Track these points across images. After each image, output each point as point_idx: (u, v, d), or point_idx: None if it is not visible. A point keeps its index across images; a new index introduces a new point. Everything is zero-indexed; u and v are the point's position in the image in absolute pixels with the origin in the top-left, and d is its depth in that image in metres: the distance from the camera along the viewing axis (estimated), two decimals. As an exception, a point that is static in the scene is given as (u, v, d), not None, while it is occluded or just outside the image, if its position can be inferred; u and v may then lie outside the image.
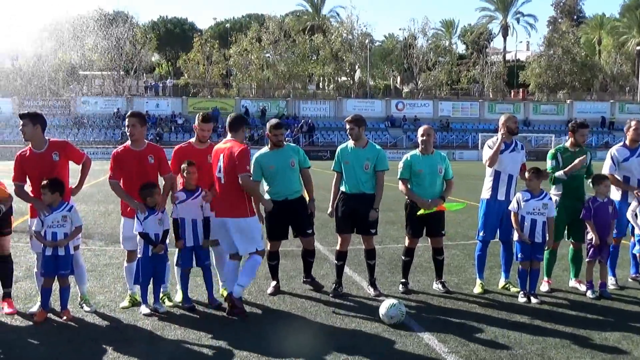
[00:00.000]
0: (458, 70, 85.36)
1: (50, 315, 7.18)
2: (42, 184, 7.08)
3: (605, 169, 8.73)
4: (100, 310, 7.48)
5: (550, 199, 8.17)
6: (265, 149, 8.41)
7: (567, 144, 8.63)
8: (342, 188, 8.35)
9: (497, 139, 8.35)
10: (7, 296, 7.50)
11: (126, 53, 79.47)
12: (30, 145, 7.43)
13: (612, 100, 78.22)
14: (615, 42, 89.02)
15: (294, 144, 8.77)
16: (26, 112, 7.56)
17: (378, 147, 8.52)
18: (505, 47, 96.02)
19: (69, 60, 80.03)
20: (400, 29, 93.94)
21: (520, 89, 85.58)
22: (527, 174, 8.12)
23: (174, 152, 8.05)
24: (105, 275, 9.16)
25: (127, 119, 7.66)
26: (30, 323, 6.99)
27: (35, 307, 7.31)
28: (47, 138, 7.50)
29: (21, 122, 7.38)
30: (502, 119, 8.61)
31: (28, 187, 7.43)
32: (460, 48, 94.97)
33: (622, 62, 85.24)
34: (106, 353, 6.05)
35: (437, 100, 77.13)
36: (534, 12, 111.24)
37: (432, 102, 76.47)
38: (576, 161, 8.14)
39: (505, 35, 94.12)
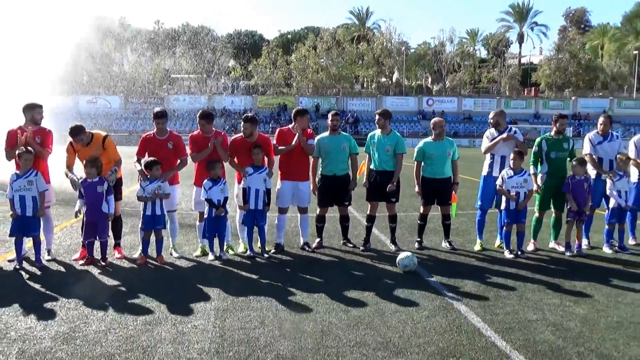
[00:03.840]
0: (480, 72, 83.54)
1: (148, 260, 7.77)
2: (156, 160, 7.72)
3: (585, 150, 8.81)
4: (186, 256, 8.05)
5: (529, 175, 8.30)
6: (326, 133, 8.76)
7: (552, 133, 8.73)
8: (371, 166, 8.69)
9: (494, 133, 8.55)
10: (117, 245, 8.13)
11: (208, 59, 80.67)
12: (154, 131, 8.06)
13: (611, 97, 75.14)
14: (615, 47, 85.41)
15: (347, 133, 9.02)
16: (161, 110, 8.18)
17: (398, 134, 8.79)
18: (520, 52, 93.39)
19: (163, 65, 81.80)
20: (431, 38, 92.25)
21: (532, 88, 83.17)
22: (511, 155, 8.25)
23: (230, 141, 8.32)
24: (190, 232, 9.68)
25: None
26: (134, 265, 7.58)
27: (137, 254, 7.92)
28: (168, 129, 8.14)
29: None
30: (491, 114, 8.81)
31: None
32: (482, 53, 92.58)
33: (621, 65, 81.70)
34: (191, 287, 6.58)
35: (461, 97, 75.75)
36: (546, 22, 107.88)
37: (457, 98, 75.19)
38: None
39: (520, 42, 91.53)
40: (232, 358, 4.57)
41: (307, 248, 8.53)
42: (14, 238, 7.36)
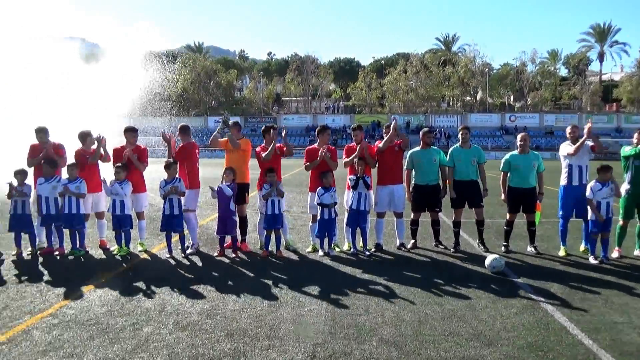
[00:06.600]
0: (560, 90, 78.40)
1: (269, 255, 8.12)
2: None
3: None
4: (299, 251, 8.35)
5: (613, 184, 7.71)
6: (418, 147, 8.70)
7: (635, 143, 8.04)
8: (455, 177, 8.52)
9: (579, 141, 8.03)
10: (243, 241, 8.53)
11: (312, 84, 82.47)
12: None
13: (697, 111, 67.71)
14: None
15: (436, 147, 8.90)
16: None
17: (478, 147, 8.59)
18: (601, 70, 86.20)
19: (274, 90, 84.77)
20: (513, 59, 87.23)
21: (614, 103, 76.61)
22: (597, 169, 7.74)
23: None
24: (302, 231, 10.05)
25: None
26: (258, 257, 7.98)
27: (260, 251, 8.30)
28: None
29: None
30: (568, 129, 8.27)
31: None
32: (563, 72, 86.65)
33: None
34: (305, 277, 6.79)
35: (543, 113, 71.49)
36: (627, 40, 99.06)
37: (539, 115, 71.04)
38: None
39: (601, 60, 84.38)
40: (343, 339, 4.71)
41: (403, 248, 8.51)
42: (165, 232, 8.06)
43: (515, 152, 8.46)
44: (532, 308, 5.57)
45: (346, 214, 8.39)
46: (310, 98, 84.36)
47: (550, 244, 8.95)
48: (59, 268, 7.33)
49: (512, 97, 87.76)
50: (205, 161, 8.81)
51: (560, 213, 8.28)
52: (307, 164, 8.40)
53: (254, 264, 7.60)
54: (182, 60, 79.70)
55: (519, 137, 8.46)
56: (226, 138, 8.47)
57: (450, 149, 8.63)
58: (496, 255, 7.24)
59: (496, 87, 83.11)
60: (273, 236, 8.14)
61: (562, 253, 8.15)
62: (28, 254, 7.99)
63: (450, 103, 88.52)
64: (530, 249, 8.39)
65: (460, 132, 8.54)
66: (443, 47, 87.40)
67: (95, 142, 8.35)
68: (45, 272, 7.09)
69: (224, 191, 7.92)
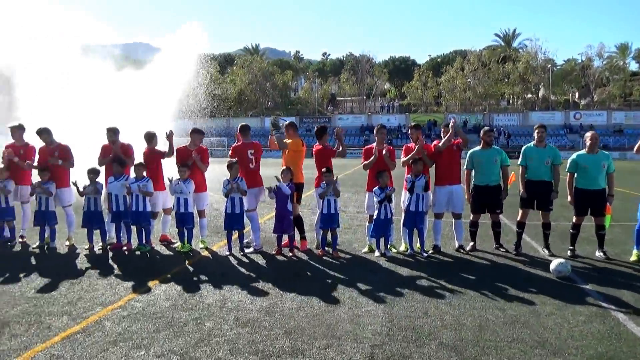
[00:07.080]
0: (631, 85, 73.68)
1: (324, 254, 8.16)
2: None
3: None
4: (353, 252, 8.32)
5: None
6: (478, 147, 8.47)
7: None
8: (526, 176, 8.21)
9: None
10: (303, 239, 8.59)
11: (367, 83, 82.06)
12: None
13: None
14: None
15: (497, 147, 8.61)
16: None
17: (554, 147, 8.23)
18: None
19: (329, 90, 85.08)
20: (578, 54, 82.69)
21: (693, 99, 71.22)
22: None
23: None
24: (358, 231, 10.03)
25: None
26: (315, 256, 8.01)
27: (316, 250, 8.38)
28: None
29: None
30: None
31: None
32: (633, 66, 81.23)
33: None
34: (362, 277, 6.75)
35: (611, 111, 67.54)
36: None
37: (606, 112, 67.16)
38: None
39: (677, 54, 78.61)
40: (401, 341, 4.66)
41: (462, 250, 8.31)
42: (226, 231, 8.28)
43: (583, 151, 8.05)
44: (602, 316, 5.29)
45: (403, 215, 8.30)
46: (365, 97, 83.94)
47: (620, 248, 8.45)
48: (127, 262, 7.71)
49: (577, 94, 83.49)
50: (262, 161, 8.93)
51: (638, 213, 7.79)
52: (365, 162, 8.39)
53: (310, 263, 7.65)
54: (239, 63, 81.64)
55: (587, 135, 8.04)
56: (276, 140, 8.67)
57: (524, 147, 8.34)
58: (562, 260, 6.91)
59: (560, 83, 79.38)
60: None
61: (634, 258, 7.68)
62: (99, 249, 8.45)
63: (510, 101, 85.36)
64: (599, 254, 7.96)
65: (537, 131, 8.20)
66: (502, 43, 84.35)
67: (166, 140, 8.64)
68: (115, 266, 7.48)
69: (283, 190, 8.04)
